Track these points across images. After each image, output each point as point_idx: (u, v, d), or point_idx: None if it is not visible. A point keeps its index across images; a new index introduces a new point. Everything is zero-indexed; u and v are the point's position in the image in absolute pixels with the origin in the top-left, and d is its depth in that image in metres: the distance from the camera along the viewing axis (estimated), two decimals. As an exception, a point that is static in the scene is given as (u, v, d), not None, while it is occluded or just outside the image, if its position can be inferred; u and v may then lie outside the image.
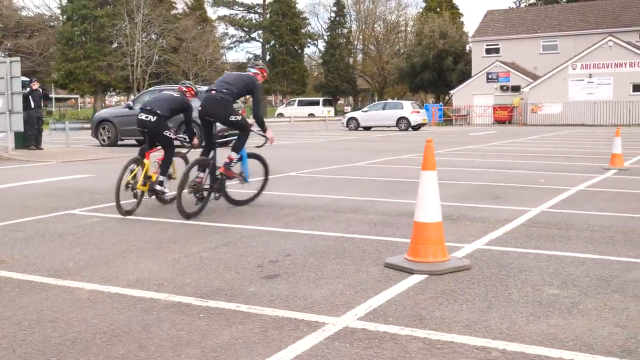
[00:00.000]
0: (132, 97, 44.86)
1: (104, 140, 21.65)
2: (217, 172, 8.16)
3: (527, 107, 46.60)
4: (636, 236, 6.48)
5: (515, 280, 4.91)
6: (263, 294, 4.56)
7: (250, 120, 8.75)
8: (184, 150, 9.11)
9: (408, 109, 36.13)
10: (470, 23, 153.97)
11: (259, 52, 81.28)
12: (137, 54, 51.87)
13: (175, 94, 8.73)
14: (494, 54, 53.35)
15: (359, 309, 4.23)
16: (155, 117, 8.28)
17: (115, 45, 57.00)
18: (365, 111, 38.05)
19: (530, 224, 7.13)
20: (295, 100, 65.18)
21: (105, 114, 22.84)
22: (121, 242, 6.31)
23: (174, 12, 62.53)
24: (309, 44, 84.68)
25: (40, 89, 18.96)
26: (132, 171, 8.14)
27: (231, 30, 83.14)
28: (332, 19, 79.27)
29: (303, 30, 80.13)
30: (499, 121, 47.92)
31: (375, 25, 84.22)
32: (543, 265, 5.35)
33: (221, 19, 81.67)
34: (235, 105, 8.40)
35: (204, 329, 3.87)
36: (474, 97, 50.50)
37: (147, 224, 7.27)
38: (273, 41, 76.03)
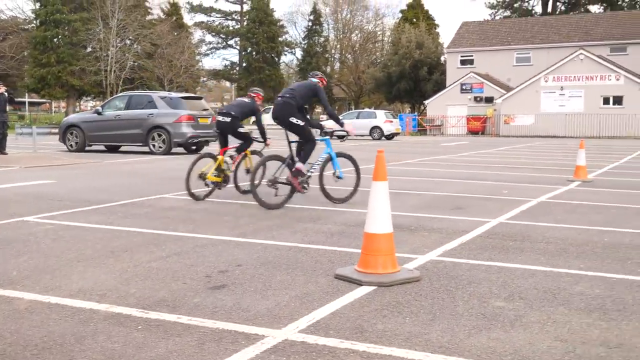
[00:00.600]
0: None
1: (71, 145, 21.42)
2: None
3: (500, 118, 46.98)
4: (589, 248, 6.51)
5: (462, 292, 4.89)
6: (207, 305, 4.49)
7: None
8: (259, 148, 10.65)
9: (381, 119, 36.27)
10: (446, 34, 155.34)
11: (235, 59, 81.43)
12: (111, 59, 51.51)
13: (246, 100, 10.39)
14: (469, 65, 53.83)
15: (301, 321, 4.18)
16: (230, 118, 9.95)
17: (88, 49, 56.58)
18: (339, 120, 38.06)
19: (486, 236, 7.13)
20: (270, 108, 65.13)
21: (74, 119, 22.61)
22: (71, 250, 6.19)
23: (149, 17, 62.26)
24: (286, 52, 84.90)
25: (5, 93, 18.69)
26: (204, 164, 9.94)
27: (208, 37, 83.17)
28: (309, 27, 79.46)
29: (280, 38, 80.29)
30: (473, 132, 48.28)
31: (353, 35, 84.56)
32: (493, 277, 5.34)
33: (198, 25, 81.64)
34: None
35: (140, 341, 3.79)
36: (448, 107, 50.85)
37: (101, 232, 7.15)
38: (250, 48, 76.07)
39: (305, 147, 9.22)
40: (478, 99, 50.35)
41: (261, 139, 10.41)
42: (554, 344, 3.82)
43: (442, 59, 61.02)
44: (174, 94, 21.63)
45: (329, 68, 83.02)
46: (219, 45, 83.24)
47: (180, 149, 20.89)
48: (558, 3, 77.87)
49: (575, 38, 50.96)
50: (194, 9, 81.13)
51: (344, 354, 3.64)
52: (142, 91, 30.50)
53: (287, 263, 5.76)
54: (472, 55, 54.49)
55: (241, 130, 10.03)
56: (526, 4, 78.61)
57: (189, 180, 9.62)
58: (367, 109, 52.24)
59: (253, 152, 10.44)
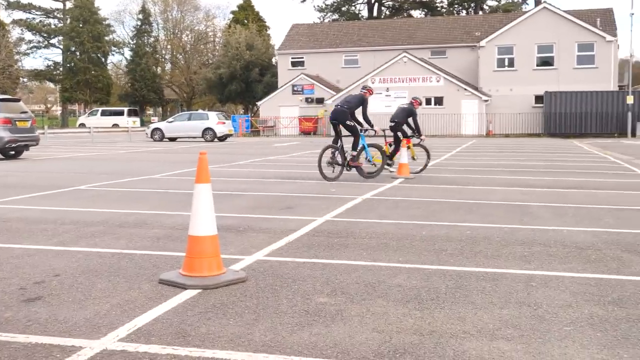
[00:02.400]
0: None
1: None
2: (347, 159, 13.35)
3: (330, 118, 48.18)
4: (408, 242, 6.85)
5: (287, 290, 4.96)
6: (19, 320, 4.23)
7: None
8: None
9: (214, 120, 36.01)
10: (277, 36, 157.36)
11: (59, 59, 77.36)
12: None
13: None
14: (299, 67, 54.74)
15: (122, 329, 4.05)
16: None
17: None
18: (171, 122, 37.36)
19: (313, 234, 7.29)
20: (98, 110, 62.71)
21: None
22: None
23: (-40, 13, 57.70)
24: (113, 52, 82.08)
25: None
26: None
27: (28, 35, 78.41)
28: (138, 27, 77.34)
29: (107, 38, 77.45)
30: (305, 132, 49.22)
31: (184, 35, 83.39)
32: (317, 274, 5.47)
33: (16, 22, 76.75)
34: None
35: (-60, 362, 3.50)
36: (281, 108, 51.49)
37: None
38: (74, 48, 72.77)
39: (355, 140, 13.38)
40: (309, 100, 51.39)
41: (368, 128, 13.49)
42: (372, 335, 3.97)
43: (274, 60, 61.67)
44: (-10, 96, 20.18)
45: (160, 69, 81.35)
46: (40, 44, 78.72)
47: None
48: (383, 8, 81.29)
49: (399, 41, 53.37)
50: (12, 5, 76.14)
51: (165, 360, 3.57)
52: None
53: (110, 270, 5.56)
54: (302, 57, 55.48)
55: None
56: (353, 7, 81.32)
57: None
58: (200, 110, 51.72)
59: (415, 145, 14.67)
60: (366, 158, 13.66)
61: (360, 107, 13.13)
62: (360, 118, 13.14)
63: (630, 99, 40.79)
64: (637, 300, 4.74)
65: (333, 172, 13.14)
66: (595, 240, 6.95)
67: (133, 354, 3.65)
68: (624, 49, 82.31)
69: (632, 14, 42.42)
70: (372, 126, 13.41)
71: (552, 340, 3.89)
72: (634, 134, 40.44)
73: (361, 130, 13.40)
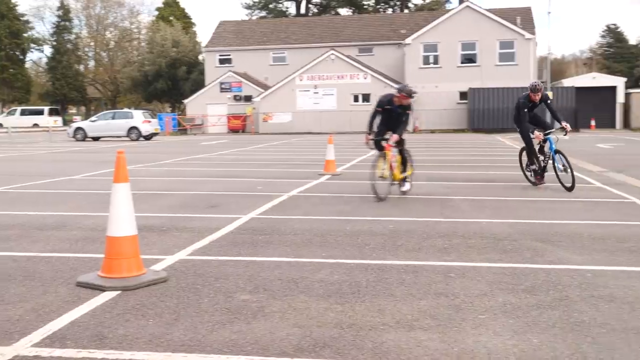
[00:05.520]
0: None
1: None
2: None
3: (259, 116, 48.09)
4: (332, 237, 6.89)
5: (209, 289, 4.93)
6: None
7: None
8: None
9: (139, 119, 35.34)
10: (204, 33, 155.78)
11: (-25, 57, 74.35)
12: None
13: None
14: (227, 64, 54.34)
15: (35, 334, 3.94)
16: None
17: None
18: (94, 121, 36.42)
19: (237, 232, 7.26)
20: (17, 110, 60.63)
21: None
22: None
23: None
24: (32, 49, 79.51)
25: None
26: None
27: (-60, 33, 75.10)
28: (58, 23, 75.18)
29: (26, 34, 74.98)
30: (233, 130, 48.92)
31: (107, 32, 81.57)
32: (241, 271, 5.45)
33: None
34: None
35: None
36: (208, 106, 50.98)
37: None
38: (-10, 46, 70.17)
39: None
40: (237, 97, 51.05)
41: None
42: (293, 331, 3.99)
43: (201, 58, 61.01)
44: None
45: (82, 66, 79.35)
46: (-45, 41, 75.55)
47: None
48: (310, 5, 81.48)
49: (327, 39, 53.60)
50: None
51: (80, 364, 3.49)
52: None
53: (24, 274, 5.40)
54: (230, 55, 55.09)
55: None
56: (281, 5, 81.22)
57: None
58: (125, 109, 50.70)
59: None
60: (555, 164, 11.17)
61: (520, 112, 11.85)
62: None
63: (549, 95, 42.07)
64: (548, 287, 4.91)
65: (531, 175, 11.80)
66: (512, 231, 7.16)
67: (47, 359, 3.56)
68: (542, 46, 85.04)
69: (550, 12, 43.86)
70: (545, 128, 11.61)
71: (467, 328, 3.99)
72: (553, 129, 41.76)
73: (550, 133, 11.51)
